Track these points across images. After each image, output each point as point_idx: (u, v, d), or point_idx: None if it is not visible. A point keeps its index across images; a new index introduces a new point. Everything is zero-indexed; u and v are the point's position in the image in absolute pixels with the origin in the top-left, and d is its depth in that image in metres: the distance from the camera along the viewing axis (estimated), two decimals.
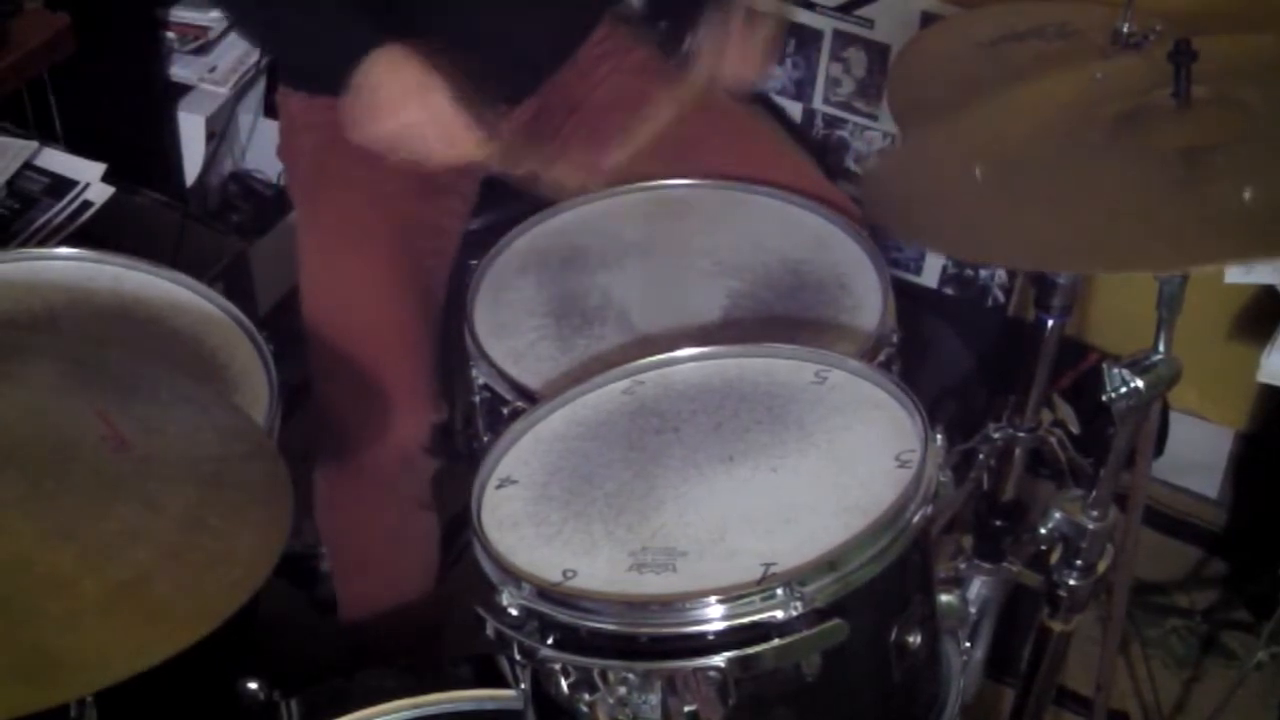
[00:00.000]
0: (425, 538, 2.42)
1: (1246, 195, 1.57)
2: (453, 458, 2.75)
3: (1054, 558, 1.91)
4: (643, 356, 1.90)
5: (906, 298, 2.18)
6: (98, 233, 2.43)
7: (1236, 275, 2.36)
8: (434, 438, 2.29)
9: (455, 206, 2.44)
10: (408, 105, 2.09)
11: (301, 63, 2.35)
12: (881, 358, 2.01)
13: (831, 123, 3.19)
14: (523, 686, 1.72)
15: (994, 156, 1.77)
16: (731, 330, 2.05)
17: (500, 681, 1.84)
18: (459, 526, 2.65)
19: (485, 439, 2.08)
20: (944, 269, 3.18)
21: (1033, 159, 1.75)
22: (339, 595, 2.47)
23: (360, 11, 2.16)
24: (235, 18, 2.62)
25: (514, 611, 1.60)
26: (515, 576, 1.61)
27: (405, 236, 2.29)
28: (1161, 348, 1.68)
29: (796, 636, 1.52)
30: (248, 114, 3.29)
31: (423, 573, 2.44)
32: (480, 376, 2.06)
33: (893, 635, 1.63)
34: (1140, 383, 1.66)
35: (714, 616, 1.53)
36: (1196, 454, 3.05)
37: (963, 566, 2.13)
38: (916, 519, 1.61)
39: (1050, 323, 2.20)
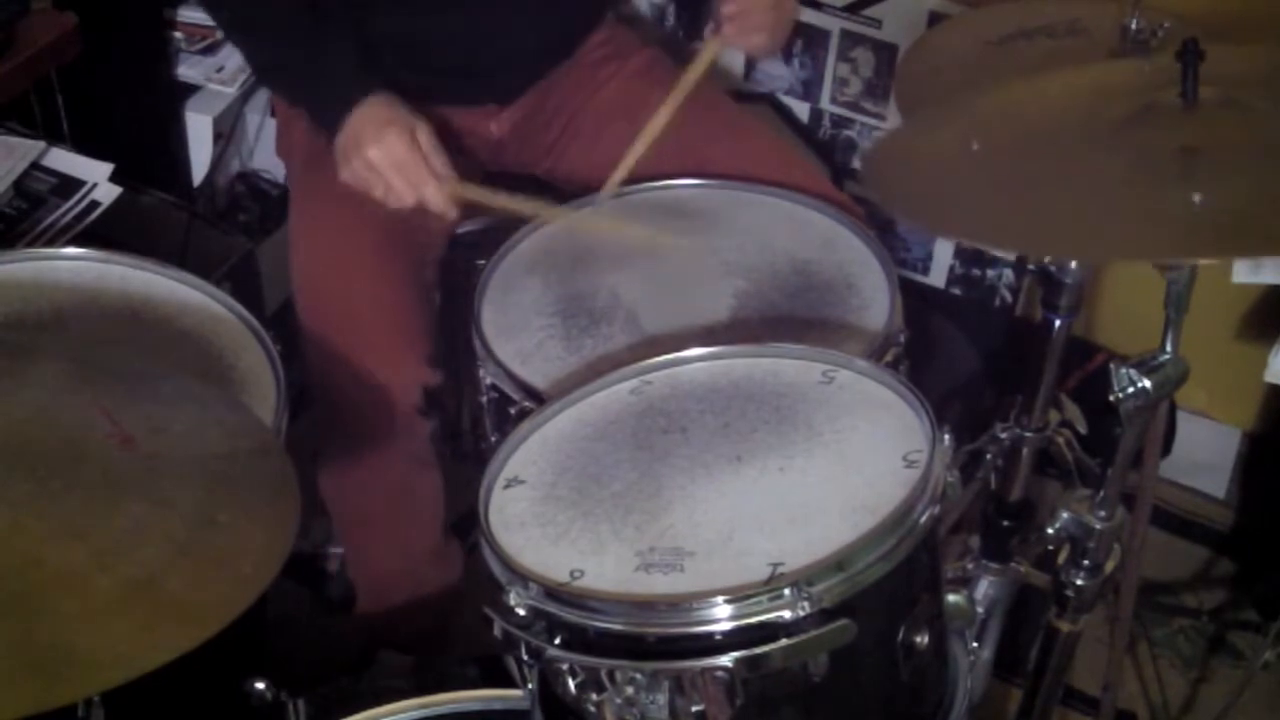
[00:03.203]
0: (428, 493, 2.45)
1: (1196, 199, 1.58)
2: (460, 457, 2.76)
3: (1061, 557, 1.91)
4: (650, 356, 1.90)
5: (914, 297, 2.18)
6: (105, 233, 2.43)
7: (1244, 275, 2.35)
8: (426, 399, 2.31)
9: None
10: (371, 146, 2.12)
11: (296, 101, 2.37)
12: (889, 357, 2.01)
13: (839, 123, 3.19)
14: (530, 686, 1.71)
15: (994, 138, 1.77)
16: (739, 330, 2.05)
17: (507, 682, 1.84)
18: (467, 526, 2.67)
19: (493, 439, 2.09)
20: (951, 269, 3.18)
21: (1032, 145, 1.75)
22: (348, 563, 2.48)
23: (350, 54, 2.21)
24: (240, 48, 2.67)
25: (521, 611, 1.60)
26: (523, 576, 1.61)
27: (395, 218, 2.29)
28: (1169, 348, 1.68)
29: (804, 636, 1.52)
30: (255, 114, 3.29)
31: (428, 533, 2.47)
32: (488, 377, 2.06)
33: (900, 635, 1.63)
34: (1148, 383, 1.66)
35: (721, 616, 1.53)
36: (1204, 454, 3.05)
37: (970, 566, 2.13)
38: (924, 519, 1.61)
39: (1058, 322, 2.20)
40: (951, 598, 1.78)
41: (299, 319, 2.29)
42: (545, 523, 1.70)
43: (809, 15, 3.11)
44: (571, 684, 1.61)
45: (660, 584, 1.58)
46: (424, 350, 2.30)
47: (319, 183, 2.33)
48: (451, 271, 2.46)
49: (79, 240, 2.39)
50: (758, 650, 1.52)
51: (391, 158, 2.12)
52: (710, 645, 1.53)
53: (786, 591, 1.52)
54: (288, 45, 2.24)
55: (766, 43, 2.33)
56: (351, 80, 2.18)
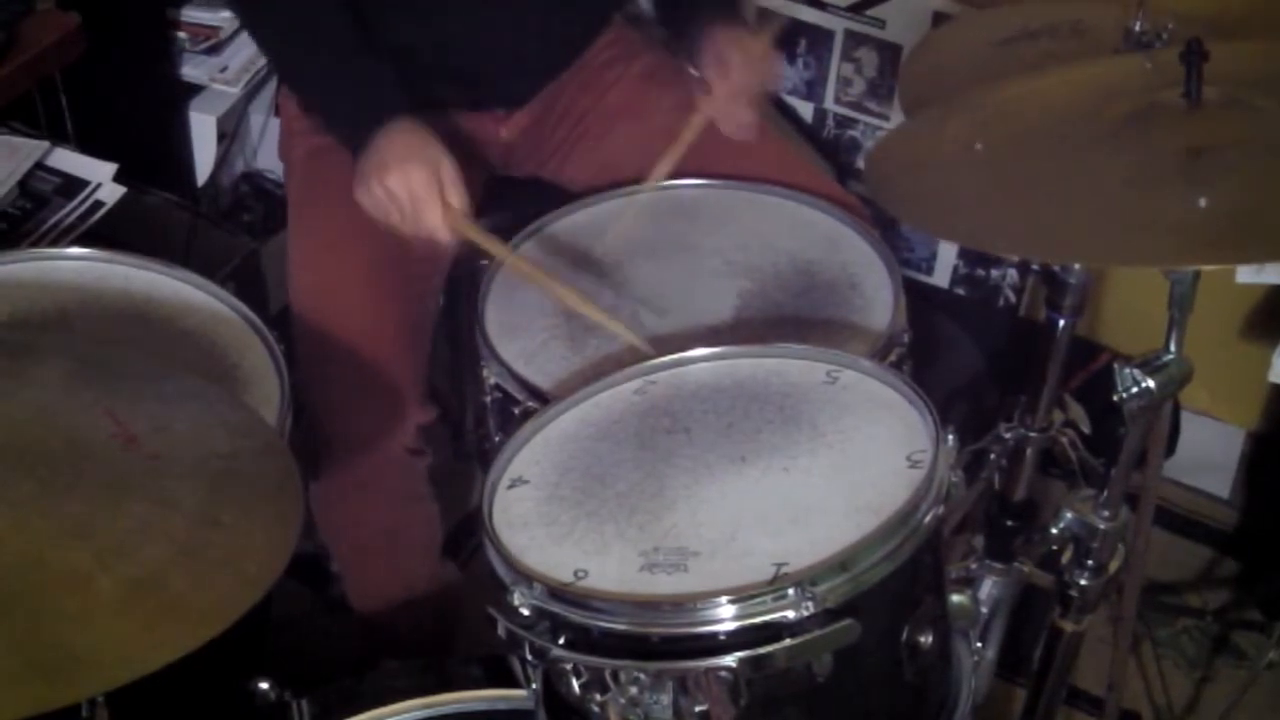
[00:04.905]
0: (424, 528, 2.45)
1: (1201, 203, 1.58)
2: (462, 457, 2.76)
3: (1065, 558, 1.91)
4: (654, 357, 1.90)
5: (917, 298, 2.18)
6: (109, 233, 2.43)
7: (1248, 275, 2.36)
8: (420, 438, 2.31)
9: None
10: (393, 175, 2.08)
11: (321, 112, 2.33)
12: (893, 358, 2.01)
13: (843, 123, 3.19)
14: (534, 686, 1.72)
15: (997, 138, 1.77)
16: (743, 330, 2.05)
17: (511, 682, 1.84)
18: (470, 526, 2.67)
19: (496, 439, 2.08)
20: (955, 269, 3.18)
21: (1035, 145, 1.76)
22: (347, 589, 2.49)
23: (388, 73, 2.18)
24: (267, 57, 2.66)
25: (525, 612, 1.60)
26: (527, 577, 1.61)
27: (396, 241, 2.29)
28: (1173, 348, 1.68)
29: (808, 636, 1.52)
30: (259, 114, 3.29)
31: (425, 562, 2.47)
32: (491, 377, 2.06)
33: (904, 635, 1.63)
34: (1151, 383, 1.66)
35: (725, 616, 1.53)
36: (1208, 454, 3.05)
37: (974, 566, 2.13)
38: (928, 519, 1.61)
39: (1061, 322, 2.20)
40: (955, 598, 1.78)
41: (295, 340, 2.27)
42: (549, 523, 1.70)
43: (813, 16, 3.11)
44: (575, 684, 1.61)
45: (664, 584, 1.58)
46: (419, 390, 2.31)
47: (318, 207, 2.32)
48: (455, 271, 2.46)
49: (83, 240, 2.39)
50: (762, 650, 1.52)
51: (410, 190, 2.08)
52: (714, 645, 1.53)
53: (790, 591, 1.52)
54: (325, 62, 2.22)
55: (744, 130, 2.33)
56: (383, 100, 2.16)
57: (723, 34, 2.30)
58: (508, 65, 2.40)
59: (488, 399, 2.09)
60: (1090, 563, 1.88)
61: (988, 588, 2.12)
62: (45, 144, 2.54)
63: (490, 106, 2.46)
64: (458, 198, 2.10)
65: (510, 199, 2.51)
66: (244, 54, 3.10)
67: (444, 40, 2.34)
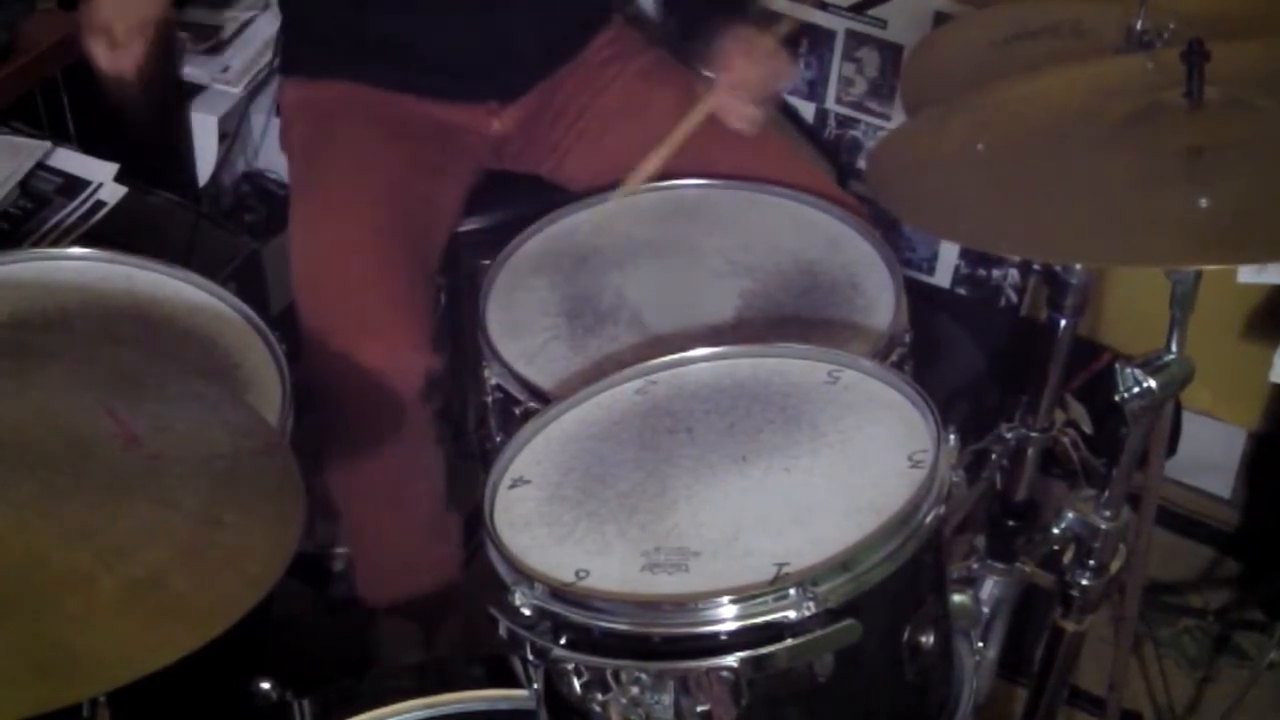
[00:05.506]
0: (432, 471, 2.43)
1: (1203, 203, 1.58)
2: (464, 457, 2.76)
3: (1067, 558, 1.91)
4: (655, 356, 1.90)
5: (919, 298, 2.18)
6: (110, 233, 2.43)
7: (1249, 275, 2.36)
8: (429, 382, 2.30)
9: (450, 186, 2.45)
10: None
11: None
12: (894, 357, 2.01)
13: (844, 123, 3.19)
14: (535, 686, 1.72)
15: (998, 138, 1.77)
16: (744, 330, 2.05)
17: (513, 681, 1.84)
18: (472, 526, 2.66)
19: (498, 439, 2.09)
20: (956, 269, 3.18)
21: (1037, 145, 1.76)
22: (350, 538, 2.49)
23: None
24: None
25: (527, 612, 1.60)
26: (528, 577, 1.61)
27: (396, 204, 2.29)
28: (1174, 347, 1.68)
29: (809, 637, 1.52)
30: (260, 114, 3.29)
31: (431, 503, 2.45)
32: (493, 377, 2.06)
33: (906, 635, 1.63)
34: (1153, 382, 1.66)
35: (727, 617, 1.53)
36: (1209, 454, 3.04)
37: (976, 566, 2.13)
38: (929, 519, 1.61)
39: (1063, 322, 2.20)
40: (957, 598, 1.78)
41: (297, 305, 2.27)
42: (550, 523, 1.70)
43: (814, 15, 3.11)
44: (577, 684, 1.61)
45: (665, 584, 1.58)
46: (425, 334, 2.29)
47: (319, 171, 2.33)
48: (456, 271, 2.46)
49: (84, 240, 2.39)
50: (763, 650, 1.52)
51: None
52: (715, 645, 1.53)
53: (792, 592, 1.52)
54: None
55: (747, 123, 2.33)
56: None
57: (730, 32, 2.30)
58: (504, 59, 2.40)
59: (489, 399, 2.09)
60: (1092, 563, 1.88)
61: (989, 587, 2.12)
62: (47, 144, 2.55)
63: (483, 99, 2.47)
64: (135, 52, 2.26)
65: (510, 198, 2.51)
66: (245, 54, 3.10)
67: (437, 31, 2.34)
